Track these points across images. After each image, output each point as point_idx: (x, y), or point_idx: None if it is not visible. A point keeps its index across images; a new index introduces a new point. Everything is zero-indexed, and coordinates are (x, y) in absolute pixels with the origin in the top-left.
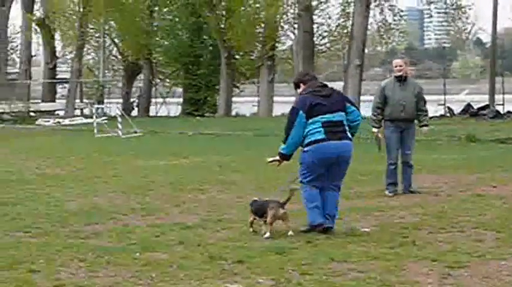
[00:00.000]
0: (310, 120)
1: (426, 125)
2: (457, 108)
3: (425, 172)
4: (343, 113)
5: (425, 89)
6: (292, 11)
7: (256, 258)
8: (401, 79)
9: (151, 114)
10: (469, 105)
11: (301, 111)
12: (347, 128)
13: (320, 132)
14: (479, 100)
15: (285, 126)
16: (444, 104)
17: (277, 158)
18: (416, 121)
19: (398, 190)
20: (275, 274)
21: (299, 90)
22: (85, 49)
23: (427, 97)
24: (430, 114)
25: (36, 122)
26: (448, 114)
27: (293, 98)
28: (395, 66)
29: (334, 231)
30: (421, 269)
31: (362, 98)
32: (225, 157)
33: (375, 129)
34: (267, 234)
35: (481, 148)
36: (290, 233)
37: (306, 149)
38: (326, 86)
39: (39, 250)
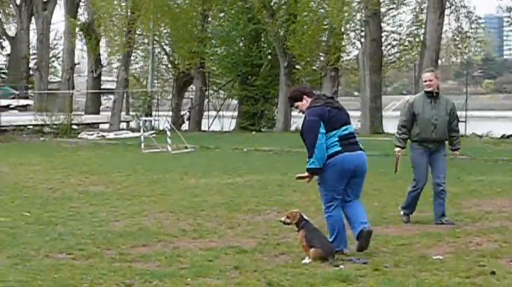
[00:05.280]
0: (328, 134)
1: (458, 149)
2: None
3: (505, 195)
4: (352, 126)
5: (505, 104)
6: (358, 17)
7: (318, 286)
8: (433, 95)
9: (203, 128)
10: None
11: (321, 123)
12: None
13: (336, 145)
14: None
15: (308, 140)
16: None
17: (306, 174)
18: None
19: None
20: None
21: (301, 103)
22: (133, 57)
23: (506, 113)
24: None
25: (79, 136)
26: None
27: (358, 113)
28: (425, 81)
29: (405, 258)
30: None
31: None
32: (283, 175)
33: (397, 149)
34: (307, 260)
35: None
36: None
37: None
38: (333, 97)
39: (83, 273)
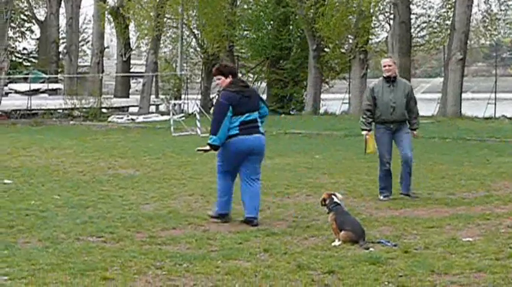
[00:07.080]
0: (232, 118)
1: (416, 129)
2: None
3: None
4: (257, 112)
5: None
6: None
7: (348, 268)
8: (390, 80)
9: None
10: None
11: (230, 107)
12: (259, 124)
13: (236, 129)
14: None
15: (214, 118)
16: None
17: (207, 147)
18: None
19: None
20: (369, 286)
21: (223, 80)
22: (162, 40)
23: None
24: None
25: (109, 119)
26: None
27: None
28: (384, 66)
29: (434, 241)
30: None
31: (464, 96)
32: (312, 158)
33: (364, 132)
34: (337, 242)
35: None
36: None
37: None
38: (248, 86)
39: (113, 256)
